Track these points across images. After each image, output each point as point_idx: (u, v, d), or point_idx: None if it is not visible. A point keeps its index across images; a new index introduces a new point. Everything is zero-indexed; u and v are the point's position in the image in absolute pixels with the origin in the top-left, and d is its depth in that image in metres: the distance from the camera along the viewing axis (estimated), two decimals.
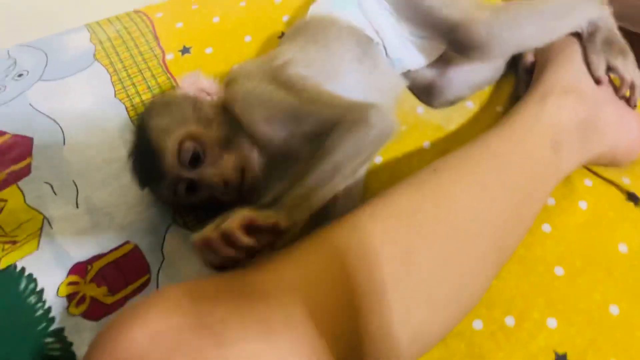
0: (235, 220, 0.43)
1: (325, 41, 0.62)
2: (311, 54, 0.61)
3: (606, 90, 0.64)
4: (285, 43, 0.66)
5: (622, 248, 0.57)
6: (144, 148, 0.54)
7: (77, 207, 0.59)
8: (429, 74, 0.69)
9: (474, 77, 0.69)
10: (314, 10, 0.68)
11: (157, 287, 0.54)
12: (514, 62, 0.72)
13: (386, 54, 0.65)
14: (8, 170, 0.61)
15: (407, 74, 0.69)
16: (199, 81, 0.59)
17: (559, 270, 0.55)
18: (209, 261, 0.44)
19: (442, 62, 0.69)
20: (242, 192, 0.55)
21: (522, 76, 0.71)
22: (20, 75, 0.70)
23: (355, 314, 0.42)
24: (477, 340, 0.51)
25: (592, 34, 0.63)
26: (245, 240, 0.43)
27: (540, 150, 0.57)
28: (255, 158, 0.56)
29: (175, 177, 0.53)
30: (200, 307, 0.36)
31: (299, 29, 0.66)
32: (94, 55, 0.73)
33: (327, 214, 0.58)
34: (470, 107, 0.69)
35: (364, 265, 0.44)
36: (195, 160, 0.54)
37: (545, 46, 0.66)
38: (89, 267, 0.55)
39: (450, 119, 0.68)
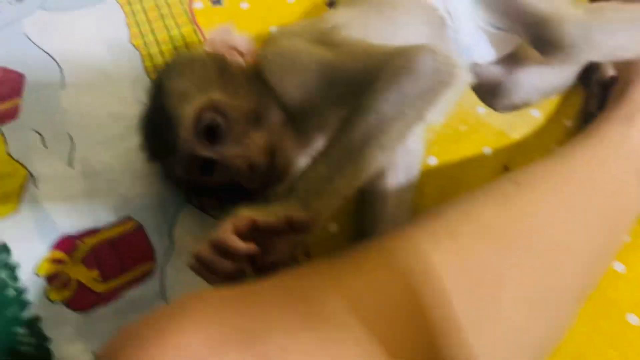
0: (225, 226, 0.34)
1: (391, 12, 0.53)
2: (371, 23, 0.52)
3: None
4: (342, 9, 0.56)
5: None
6: (157, 113, 0.44)
7: (72, 166, 0.48)
8: (496, 72, 0.60)
9: (544, 82, 0.61)
10: None
11: (162, 280, 0.44)
12: (585, 75, 0.64)
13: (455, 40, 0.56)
14: None
15: (471, 69, 0.60)
16: (230, 37, 0.48)
17: (633, 319, 0.47)
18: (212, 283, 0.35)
19: (511, 60, 0.60)
20: (271, 180, 0.45)
21: (594, 91, 0.63)
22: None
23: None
24: None
25: None
26: (241, 246, 0.33)
27: (625, 176, 0.49)
28: (290, 138, 0.46)
29: (190, 153, 0.42)
30: (244, 319, 0.27)
31: None
32: None
33: (374, 221, 0.49)
34: (536, 115, 0.61)
35: (431, 298, 0.35)
36: (216, 135, 0.43)
37: (633, 60, 0.58)
38: (79, 244, 0.44)
39: (514, 126, 0.59)
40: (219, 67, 0.44)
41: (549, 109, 0.62)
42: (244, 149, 0.43)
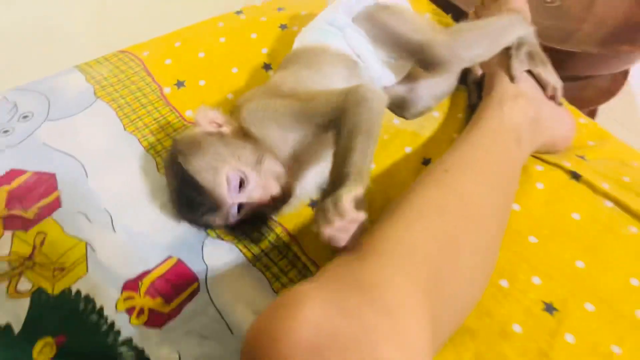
0: (346, 201, 0.50)
1: (318, 66, 0.72)
2: (303, 77, 0.71)
3: (540, 92, 0.79)
4: (278, 72, 0.75)
5: (575, 216, 0.71)
6: (190, 186, 0.60)
7: (115, 231, 0.64)
8: (401, 90, 0.81)
9: (436, 90, 0.82)
10: (301, 42, 0.77)
11: (208, 292, 0.60)
12: (463, 77, 0.86)
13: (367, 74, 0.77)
14: (39, 205, 0.64)
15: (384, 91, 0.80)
16: (208, 114, 0.66)
17: (532, 239, 0.68)
18: (337, 243, 0.52)
19: (409, 79, 0.81)
20: (285, 200, 0.63)
21: (471, 87, 0.85)
22: (25, 117, 0.74)
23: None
24: (482, 301, 0.62)
25: (518, 47, 0.79)
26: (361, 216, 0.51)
27: (510, 145, 0.70)
28: (282, 169, 0.64)
29: (228, 204, 0.60)
30: (339, 298, 0.41)
31: (290, 59, 0.76)
32: (94, 93, 0.77)
33: None
34: (437, 116, 0.82)
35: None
36: (241, 186, 0.61)
37: (489, 60, 0.80)
38: (140, 283, 0.60)
39: (423, 127, 0.79)
40: (219, 140, 0.62)
41: (444, 109, 0.83)
42: (264, 187, 0.61)
